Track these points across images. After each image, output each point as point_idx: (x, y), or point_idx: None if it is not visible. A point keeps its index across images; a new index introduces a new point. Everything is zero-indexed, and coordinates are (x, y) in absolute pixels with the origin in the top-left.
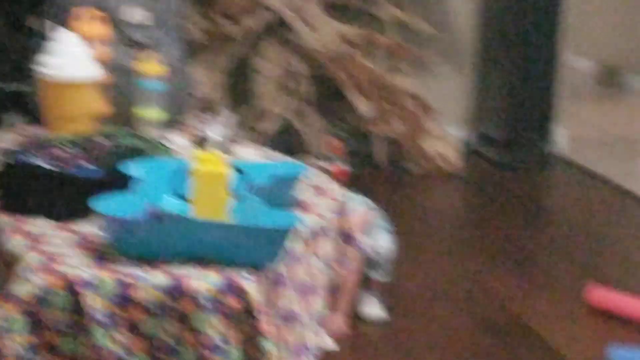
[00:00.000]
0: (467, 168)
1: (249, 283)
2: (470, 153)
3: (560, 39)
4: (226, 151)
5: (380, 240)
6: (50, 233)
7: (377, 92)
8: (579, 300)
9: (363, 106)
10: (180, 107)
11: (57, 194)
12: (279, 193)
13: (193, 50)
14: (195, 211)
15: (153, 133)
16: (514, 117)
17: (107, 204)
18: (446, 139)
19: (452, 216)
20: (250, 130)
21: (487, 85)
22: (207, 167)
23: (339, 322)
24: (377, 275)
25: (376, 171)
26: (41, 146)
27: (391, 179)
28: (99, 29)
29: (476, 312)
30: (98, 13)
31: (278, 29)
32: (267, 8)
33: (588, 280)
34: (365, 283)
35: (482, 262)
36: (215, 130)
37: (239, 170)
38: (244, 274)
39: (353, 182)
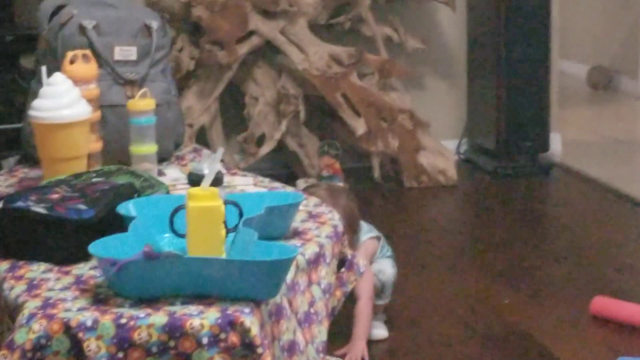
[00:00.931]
0: (464, 180)
1: (249, 318)
2: (467, 165)
3: (551, 45)
4: (219, 185)
5: (383, 265)
6: (48, 277)
7: (370, 109)
8: (582, 310)
9: (357, 124)
10: (175, 140)
11: (52, 238)
12: (275, 223)
13: (184, 78)
14: (191, 248)
15: (148, 169)
16: (508, 126)
17: (102, 245)
18: (442, 152)
19: (450, 229)
20: (246, 154)
21: (480, 96)
22: (200, 202)
23: (360, 349)
24: (381, 301)
25: (373, 188)
26: (35, 189)
27: (389, 194)
28: (88, 68)
29: (478, 325)
30: (88, 53)
31: (268, 52)
32: (256, 33)
33: (590, 289)
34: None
35: (483, 274)
36: (206, 164)
37: (233, 203)
38: (244, 309)
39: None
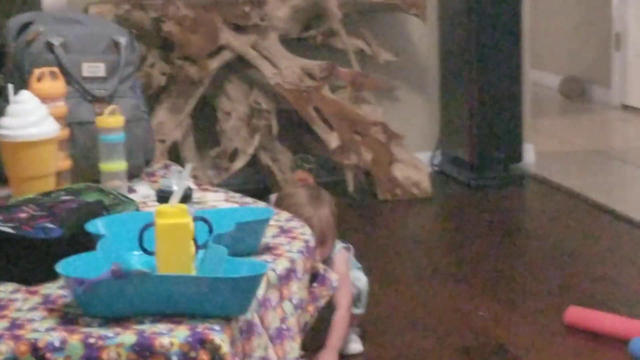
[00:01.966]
0: (438, 192)
1: (220, 335)
2: (441, 177)
3: (523, 56)
4: (188, 201)
5: (357, 274)
6: (16, 298)
7: (343, 123)
8: (557, 320)
9: (330, 138)
10: (145, 157)
11: (20, 258)
12: (245, 239)
13: (156, 94)
14: (160, 265)
15: (118, 186)
16: (481, 138)
17: (70, 264)
18: (415, 164)
19: (425, 241)
20: (219, 170)
21: (453, 108)
22: (169, 219)
23: (331, 358)
24: (357, 310)
25: (347, 201)
26: (1, 208)
27: (363, 208)
28: (55, 85)
29: (452, 337)
30: (55, 71)
31: (240, 67)
32: (227, 47)
33: (565, 299)
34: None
35: (457, 286)
36: (175, 180)
37: (202, 220)
38: (214, 326)
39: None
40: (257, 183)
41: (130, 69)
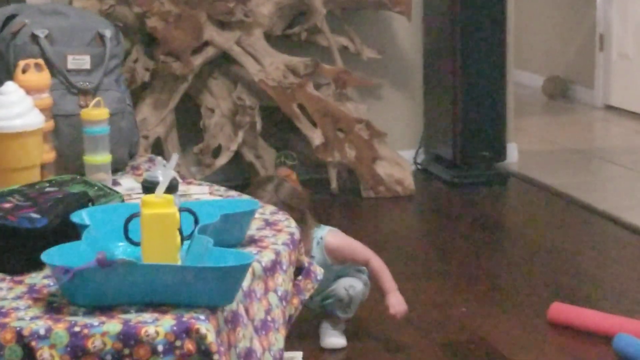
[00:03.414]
0: (422, 190)
1: (205, 325)
2: (424, 175)
3: (507, 55)
4: (174, 192)
5: (355, 282)
6: (0, 287)
7: (326, 120)
8: (542, 318)
9: (314, 135)
10: (130, 150)
11: (4, 247)
12: (231, 231)
13: (140, 90)
14: (146, 255)
15: (103, 179)
16: (464, 136)
17: (55, 253)
18: (399, 162)
19: (408, 238)
20: (202, 166)
21: (437, 106)
22: (155, 209)
23: (400, 300)
24: (345, 315)
25: (331, 198)
26: None
27: (346, 205)
28: (40, 77)
29: (436, 333)
30: (40, 62)
31: (224, 63)
32: (212, 44)
33: (547, 296)
34: (331, 318)
35: (440, 283)
36: (160, 171)
37: (188, 211)
38: (200, 316)
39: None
40: (239, 180)
41: (115, 62)
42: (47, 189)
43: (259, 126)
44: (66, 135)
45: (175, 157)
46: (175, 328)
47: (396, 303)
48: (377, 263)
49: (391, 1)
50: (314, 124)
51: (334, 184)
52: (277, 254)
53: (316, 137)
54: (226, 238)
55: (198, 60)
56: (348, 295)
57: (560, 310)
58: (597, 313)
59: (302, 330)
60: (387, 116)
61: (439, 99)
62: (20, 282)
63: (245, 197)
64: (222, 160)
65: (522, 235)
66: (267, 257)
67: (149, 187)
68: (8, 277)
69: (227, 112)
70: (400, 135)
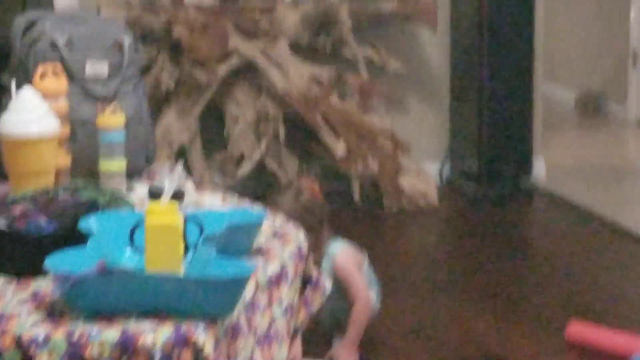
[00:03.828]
0: (446, 204)
1: (203, 335)
2: (448, 188)
3: (535, 69)
4: (180, 200)
5: None
6: (4, 291)
7: (350, 131)
8: (560, 336)
9: (337, 146)
10: (147, 157)
11: (12, 252)
12: (236, 241)
13: (165, 97)
14: (149, 264)
15: (117, 185)
16: (490, 150)
17: (58, 260)
18: (423, 175)
19: (429, 252)
20: (225, 174)
21: (463, 119)
22: (159, 218)
23: (352, 354)
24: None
25: (353, 210)
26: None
27: (369, 217)
28: (57, 83)
29: (454, 350)
30: (58, 69)
31: (249, 72)
32: (237, 53)
33: (569, 315)
34: (342, 331)
35: (459, 298)
36: (168, 180)
37: (194, 220)
38: (198, 326)
39: (330, 222)
40: (262, 189)
41: (133, 69)
42: (60, 195)
43: (282, 136)
44: (82, 141)
45: (180, 166)
46: (173, 338)
47: (345, 357)
48: (360, 308)
49: (417, 13)
50: (337, 135)
51: (356, 196)
52: (283, 265)
53: (339, 148)
54: (233, 248)
55: (223, 69)
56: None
57: (579, 329)
58: (615, 333)
59: (314, 343)
60: (413, 129)
61: (465, 112)
62: (26, 287)
63: (258, 206)
64: (245, 168)
65: (545, 252)
66: (272, 268)
67: (154, 194)
68: (15, 282)
69: (251, 121)
70: (425, 148)
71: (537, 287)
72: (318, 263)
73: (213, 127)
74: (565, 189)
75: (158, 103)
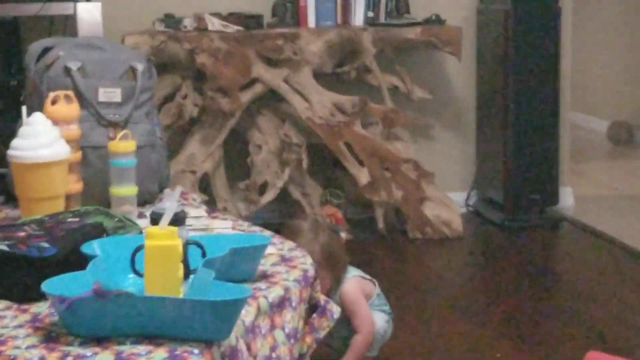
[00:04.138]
0: (471, 233)
1: (197, 359)
2: (475, 217)
3: (562, 98)
4: (180, 224)
5: (376, 317)
6: (5, 315)
7: (373, 159)
8: None
9: (360, 174)
10: (160, 183)
11: (13, 275)
12: (239, 265)
13: (188, 125)
14: (148, 287)
15: (128, 211)
16: (516, 179)
17: (57, 283)
18: (447, 203)
19: (452, 281)
20: (248, 202)
21: (489, 148)
22: (157, 241)
23: None
24: (368, 353)
25: (377, 238)
26: (2, 227)
27: (392, 245)
28: (69, 109)
29: None
30: (70, 94)
31: (272, 100)
32: (260, 80)
33: (589, 344)
34: None
35: (478, 326)
36: (168, 204)
37: (196, 244)
38: (194, 350)
39: (354, 250)
40: (286, 217)
41: (146, 95)
42: (69, 220)
43: (305, 164)
44: (95, 166)
45: (178, 189)
46: None
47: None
48: (361, 339)
49: (441, 41)
50: (361, 163)
51: (380, 224)
52: (287, 290)
53: (363, 176)
54: (236, 273)
55: (246, 97)
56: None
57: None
58: None
59: None
60: (439, 157)
61: (490, 141)
62: (25, 311)
63: (268, 233)
64: (268, 197)
65: (569, 282)
66: (275, 292)
67: (155, 218)
68: (15, 306)
69: (274, 148)
70: (451, 177)
71: (559, 316)
72: (332, 291)
73: (236, 155)
74: (593, 218)
75: (181, 131)
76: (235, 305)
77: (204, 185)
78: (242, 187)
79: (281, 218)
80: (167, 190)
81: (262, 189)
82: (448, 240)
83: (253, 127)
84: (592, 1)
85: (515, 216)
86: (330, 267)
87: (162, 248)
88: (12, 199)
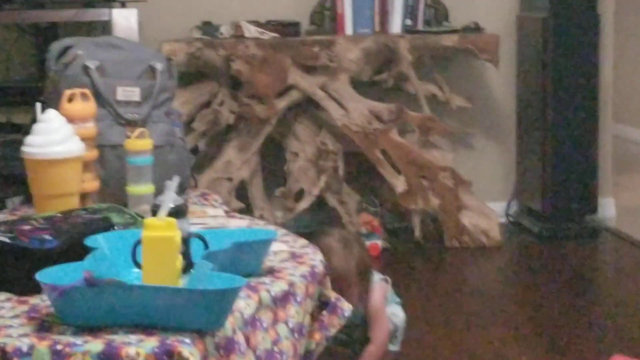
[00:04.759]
0: (509, 242)
1: (189, 348)
2: (514, 226)
3: (602, 109)
4: (182, 216)
5: (395, 309)
6: (2, 306)
7: (410, 167)
8: None
9: (397, 181)
10: (180, 184)
11: (13, 267)
12: (245, 260)
13: (225, 132)
14: (145, 277)
15: (145, 210)
16: (555, 189)
17: (51, 273)
18: (485, 212)
19: (488, 290)
20: (285, 210)
21: (529, 157)
22: (155, 232)
23: None
24: (393, 346)
25: (414, 247)
26: (9, 221)
27: (429, 254)
28: (85, 107)
29: None
30: (86, 92)
31: (309, 107)
32: (296, 87)
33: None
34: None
35: (510, 335)
36: (168, 196)
37: (198, 237)
38: (185, 339)
39: (390, 259)
40: (323, 225)
41: (165, 95)
42: (75, 215)
43: (341, 171)
44: (112, 165)
45: (176, 180)
46: (157, 350)
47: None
48: (374, 351)
49: (478, 49)
50: (398, 171)
51: (417, 232)
52: (291, 284)
53: (399, 184)
54: (240, 267)
55: (282, 104)
56: (392, 324)
57: None
58: None
59: None
60: (478, 166)
61: (530, 150)
62: (25, 302)
63: (282, 231)
64: (304, 204)
65: (607, 292)
66: (278, 287)
67: (155, 210)
68: (15, 297)
69: (311, 156)
70: (491, 186)
71: (595, 326)
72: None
73: (274, 162)
74: (635, 229)
75: (218, 137)
76: (226, 295)
77: (241, 193)
78: (278, 195)
79: (318, 226)
80: (166, 182)
81: (299, 196)
82: (486, 249)
83: (290, 135)
84: (635, 6)
85: (554, 226)
86: (363, 280)
87: (159, 239)
88: (31, 199)
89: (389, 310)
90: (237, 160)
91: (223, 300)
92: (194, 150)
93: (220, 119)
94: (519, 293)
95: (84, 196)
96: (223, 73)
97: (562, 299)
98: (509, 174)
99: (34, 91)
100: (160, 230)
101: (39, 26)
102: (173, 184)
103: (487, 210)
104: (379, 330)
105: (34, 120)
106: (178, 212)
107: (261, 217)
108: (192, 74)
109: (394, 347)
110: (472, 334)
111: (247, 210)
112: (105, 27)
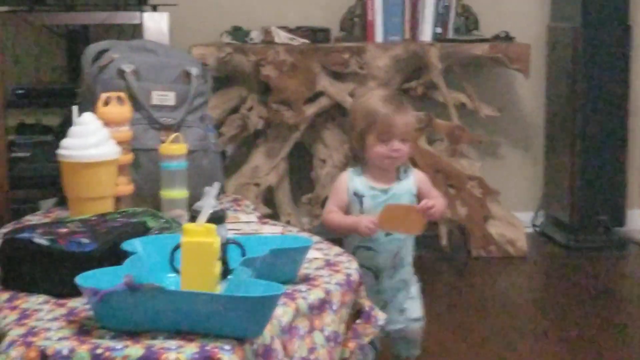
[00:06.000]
0: (536, 252)
1: (228, 355)
2: (541, 237)
3: (632, 121)
4: (220, 222)
5: (408, 304)
6: (41, 308)
7: (438, 175)
8: None
9: None
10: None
11: (52, 270)
12: (281, 267)
13: (254, 137)
14: (184, 283)
15: (179, 215)
16: (583, 200)
17: (91, 277)
18: (512, 222)
19: (514, 301)
20: (312, 216)
21: (556, 168)
22: (194, 237)
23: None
24: (408, 353)
25: (440, 256)
26: (46, 224)
27: (455, 263)
28: (121, 110)
29: None
30: (122, 96)
31: (337, 114)
32: (325, 94)
33: None
34: None
35: (540, 345)
36: (208, 202)
37: (235, 243)
38: (224, 346)
39: (416, 266)
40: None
41: (200, 100)
42: (111, 219)
43: None
44: (146, 169)
45: (216, 186)
46: (196, 356)
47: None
48: (444, 203)
49: (509, 58)
50: None
51: (443, 241)
52: (328, 292)
53: None
54: (277, 274)
55: (311, 110)
56: (406, 320)
57: None
58: None
59: None
60: (506, 176)
61: (558, 161)
62: (63, 305)
63: (316, 238)
64: None
65: (634, 304)
66: (315, 295)
67: (195, 216)
68: (53, 300)
69: (339, 163)
70: (518, 196)
71: (622, 337)
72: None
73: (302, 168)
74: None
75: (246, 143)
76: (266, 302)
77: (268, 198)
78: (305, 201)
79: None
80: (206, 188)
81: (325, 202)
82: (512, 259)
83: (318, 141)
84: None
85: (582, 237)
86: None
87: (198, 245)
88: (65, 202)
89: (398, 305)
90: (265, 166)
91: (264, 307)
92: (222, 155)
93: (248, 124)
94: (544, 304)
95: (118, 200)
96: (252, 78)
97: (588, 311)
98: (536, 184)
99: (64, 93)
100: (200, 236)
101: (69, 28)
102: (213, 190)
103: (514, 220)
104: (438, 191)
105: (64, 122)
106: (217, 218)
107: (288, 223)
108: (221, 79)
109: (414, 352)
110: (497, 344)
111: (273, 216)
112: (135, 31)
